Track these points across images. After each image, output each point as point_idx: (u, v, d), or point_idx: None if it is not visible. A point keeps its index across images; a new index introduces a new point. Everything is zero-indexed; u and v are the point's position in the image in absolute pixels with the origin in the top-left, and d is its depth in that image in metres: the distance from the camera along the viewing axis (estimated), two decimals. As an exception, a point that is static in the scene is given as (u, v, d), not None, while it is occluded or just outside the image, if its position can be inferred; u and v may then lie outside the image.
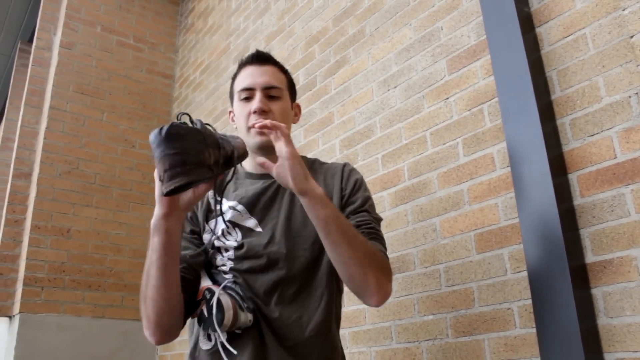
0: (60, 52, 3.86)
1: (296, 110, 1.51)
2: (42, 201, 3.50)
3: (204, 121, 1.10)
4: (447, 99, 1.91)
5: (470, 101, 1.82)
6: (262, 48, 3.18)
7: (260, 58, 1.42)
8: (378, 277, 1.18)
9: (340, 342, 1.36)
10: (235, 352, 1.19)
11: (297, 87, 2.71)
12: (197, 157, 0.96)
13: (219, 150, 1.01)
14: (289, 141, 1.12)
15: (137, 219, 3.83)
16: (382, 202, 2.03)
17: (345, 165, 1.43)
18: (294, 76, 2.78)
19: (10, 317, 3.42)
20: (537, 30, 1.66)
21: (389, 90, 2.16)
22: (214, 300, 1.17)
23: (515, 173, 1.56)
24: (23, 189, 3.66)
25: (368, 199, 1.36)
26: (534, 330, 1.45)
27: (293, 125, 1.54)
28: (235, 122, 1.43)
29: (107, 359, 3.42)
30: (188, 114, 1.05)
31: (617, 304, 1.32)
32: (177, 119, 1.00)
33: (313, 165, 1.44)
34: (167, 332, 1.17)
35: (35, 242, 3.41)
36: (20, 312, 3.23)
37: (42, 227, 3.45)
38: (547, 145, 1.49)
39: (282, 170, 1.11)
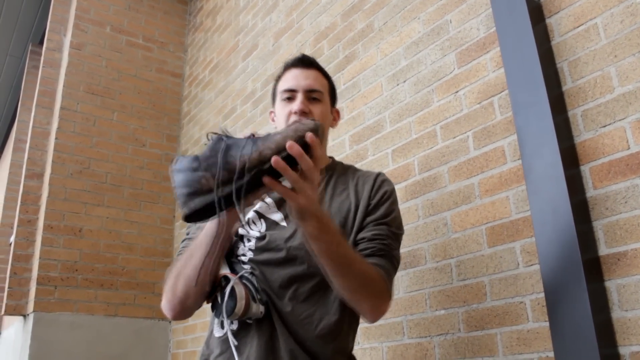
0: (70, 53, 3.88)
1: (335, 115, 1.53)
2: (54, 201, 3.52)
3: (222, 128, 1.06)
4: (456, 92, 1.89)
5: (481, 94, 1.81)
6: (270, 45, 3.18)
7: (305, 62, 1.45)
8: (373, 303, 1.23)
9: (351, 344, 1.35)
10: (236, 343, 1.23)
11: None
12: (194, 186, 0.96)
13: (216, 172, 0.96)
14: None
15: (148, 218, 3.85)
16: (393, 197, 2.02)
17: (378, 175, 1.42)
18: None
19: (24, 316, 3.44)
20: (547, 21, 1.64)
21: (398, 84, 2.15)
22: (228, 288, 1.17)
23: (527, 166, 1.55)
24: (35, 189, 3.69)
25: (392, 212, 1.34)
26: (547, 324, 1.44)
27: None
28: (275, 121, 1.47)
29: (121, 357, 3.44)
30: (215, 133, 1.02)
31: (632, 297, 1.30)
32: (207, 139, 1.01)
33: (347, 171, 1.45)
34: (185, 311, 1.25)
35: (48, 241, 3.43)
36: (34, 311, 3.25)
37: (55, 226, 3.47)
38: (559, 137, 1.47)
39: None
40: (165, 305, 1.25)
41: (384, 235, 1.28)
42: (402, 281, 1.91)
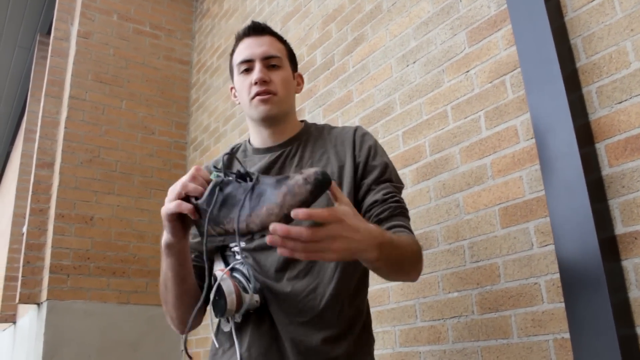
0: (78, 42, 3.87)
1: (298, 80, 1.46)
2: (65, 190, 3.53)
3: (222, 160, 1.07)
4: (467, 72, 1.86)
5: (492, 73, 1.77)
6: (278, 29, 3.15)
7: (257, 29, 1.37)
8: (418, 271, 1.24)
9: (364, 302, 1.32)
10: (219, 344, 1.27)
11: (314, 67, 2.69)
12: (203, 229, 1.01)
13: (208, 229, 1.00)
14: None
15: (158, 205, 3.82)
16: (404, 179, 2.00)
17: (356, 129, 1.37)
18: (311, 56, 2.76)
19: (38, 305, 3.47)
20: (561, -4, 1.60)
21: (408, 65, 2.12)
22: (214, 287, 1.16)
23: (540, 144, 1.52)
24: (46, 178, 3.70)
25: (387, 166, 1.30)
26: (562, 305, 1.41)
27: (300, 97, 1.50)
28: (238, 97, 1.40)
29: (134, 344, 3.46)
30: (228, 154, 1.07)
31: (650, 276, 1.27)
32: (222, 161, 1.07)
33: (322, 133, 1.39)
34: (192, 327, 1.22)
35: (60, 230, 3.44)
36: (47, 299, 3.27)
37: (66, 215, 3.49)
38: (573, 114, 1.44)
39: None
40: (171, 326, 1.28)
41: (392, 193, 1.25)
42: (414, 264, 1.89)
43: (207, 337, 3.32)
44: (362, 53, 2.38)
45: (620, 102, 1.39)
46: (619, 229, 1.35)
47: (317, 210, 0.87)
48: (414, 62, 2.08)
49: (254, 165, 1.35)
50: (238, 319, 1.23)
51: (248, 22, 1.40)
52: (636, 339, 1.27)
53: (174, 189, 1.05)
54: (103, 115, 3.81)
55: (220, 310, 1.16)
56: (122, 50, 4.04)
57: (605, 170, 1.40)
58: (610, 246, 1.34)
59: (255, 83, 1.30)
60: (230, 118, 3.54)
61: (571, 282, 1.37)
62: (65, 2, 4.16)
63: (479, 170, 1.75)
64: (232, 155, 1.24)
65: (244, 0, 3.67)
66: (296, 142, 1.36)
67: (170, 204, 1.05)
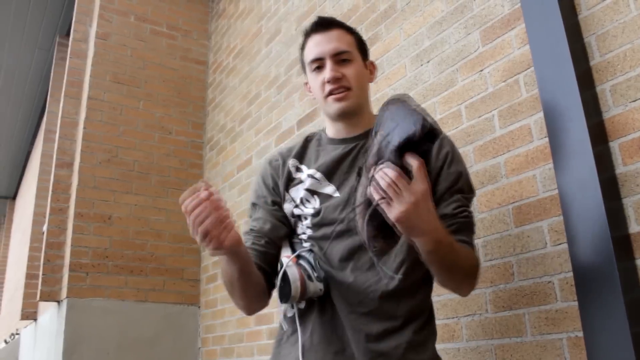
0: (96, 43, 3.93)
1: (371, 68, 1.45)
2: (84, 189, 3.59)
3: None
4: (481, 71, 1.86)
5: (506, 72, 1.77)
6: (293, 29, 3.17)
7: (324, 24, 1.37)
8: (472, 286, 1.30)
9: (430, 299, 1.35)
10: (285, 328, 1.31)
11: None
12: None
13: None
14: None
15: (176, 205, 3.85)
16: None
17: None
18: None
19: (58, 302, 3.53)
20: (574, -6, 1.60)
21: (422, 65, 2.12)
22: (280, 273, 1.21)
23: (554, 143, 1.52)
24: (66, 178, 3.76)
25: (461, 176, 1.30)
26: (576, 303, 1.41)
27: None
28: (313, 93, 1.41)
29: (151, 342, 3.50)
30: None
31: (664, 274, 1.27)
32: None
33: None
34: (258, 309, 1.34)
35: (79, 229, 3.50)
36: (67, 297, 3.33)
37: (85, 214, 3.54)
38: (586, 113, 1.44)
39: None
40: (242, 311, 1.36)
41: (463, 207, 1.26)
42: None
43: (224, 335, 3.36)
44: (377, 52, 2.39)
45: (634, 101, 1.39)
46: (633, 227, 1.35)
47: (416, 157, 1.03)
48: (428, 62, 2.09)
49: (329, 154, 1.37)
50: (302, 305, 1.26)
51: (314, 18, 1.41)
52: (650, 337, 1.27)
53: (205, 233, 1.09)
54: (121, 115, 3.87)
55: (285, 296, 1.20)
56: (139, 51, 4.09)
57: (619, 169, 1.40)
58: (623, 245, 1.34)
59: (328, 81, 1.31)
60: (246, 118, 3.57)
61: (585, 280, 1.37)
62: (83, 3, 4.23)
63: (492, 169, 1.75)
64: (305, 144, 1.35)
65: (259, 0, 3.69)
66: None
67: (220, 249, 1.10)
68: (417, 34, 2.17)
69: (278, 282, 1.22)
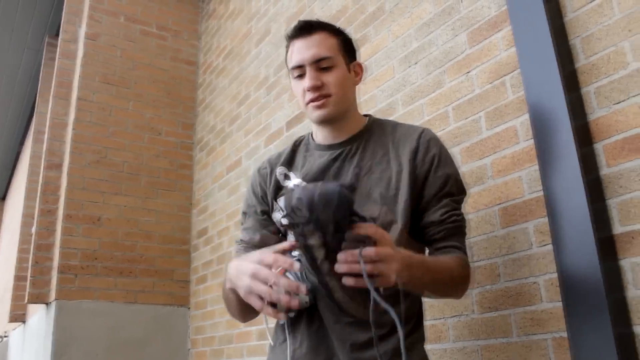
0: (85, 44, 3.91)
1: (357, 70, 1.41)
2: (73, 191, 3.57)
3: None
4: (468, 72, 1.87)
5: (492, 74, 1.78)
6: (283, 30, 3.17)
7: (304, 29, 1.33)
8: (462, 291, 1.31)
9: (418, 305, 1.34)
10: (277, 335, 1.32)
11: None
12: None
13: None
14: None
15: (165, 206, 3.88)
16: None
17: (422, 133, 1.33)
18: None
19: (47, 304, 3.51)
20: (560, -3, 1.61)
21: (409, 66, 2.13)
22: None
23: (539, 145, 1.53)
24: (55, 179, 3.74)
25: (449, 178, 1.29)
26: (561, 304, 1.42)
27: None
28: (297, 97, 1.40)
29: (141, 343, 3.49)
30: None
31: (647, 275, 1.28)
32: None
33: (385, 131, 1.37)
34: (252, 318, 1.33)
35: (68, 230, 3.49)
36: (56, 299, 3.32)
37: (74, 216, 3.53)
38: (572, 114, 1.45)
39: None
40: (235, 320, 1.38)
41: (450, 212, 1.26)
42: (415, 264, 1.91)
43: (213, 337, 3.35)
44: (365, 54, 2.39)
45: (618, 103, 1.40)
46: (617, 228, 1.36)
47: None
48: (416, 63, 2.10)
49: (315, 161, 1.36)
50: (292, 314, 1.26)
51: (296, 23, 1.37)
52: (633, 337, 1.28)
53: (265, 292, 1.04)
54: (110, 116, 3.85)
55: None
56: (129, 52, 4.08)
57: (604, 170, 1.41)
58: (608, 246, 1.35)
59: (308, 90, 1.29)
60: (235, 118, 3.57)
61: (569, 281, 1.38)
62: (73, 4, 4.21)
63: (479, 171, 1.76)
64: (294, 149, 1.35)
65: (249, 1, 3.69)
66: (357, 140, 1.36)
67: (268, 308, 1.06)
68: (405, 35, 2.18)
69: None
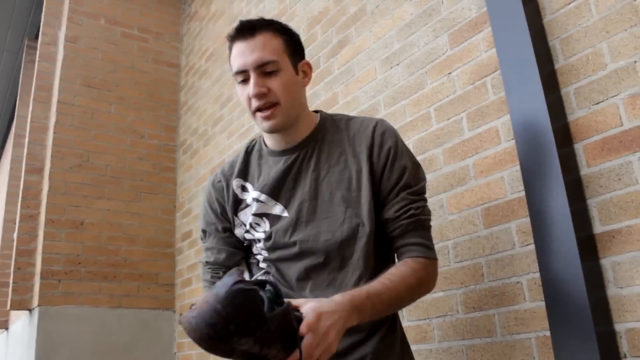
0: (65, 47, 3.87)
1: (305, 70, 1.32)
2: (55, 195, 3.53)
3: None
4: (449, 73, 1.88)
5: (473, 75, 1.79)
6: (264, 32, 3.15)
7: (246, 30, 1.23)
8: (421, 293, 1.25)
9: (395, 316, 1.31)
10: None
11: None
12: None
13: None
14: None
15: (149, 209, 3.86)
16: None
17: (376, 126, 1.28)
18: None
19: (30, 310, 3.47)
20: (538, -2, 1.62)
21: (391, 67, 2.13)
22: None
23: (520, 146, 1.54)
24: (36, 184, 3.70)
25: (404, 170, 1.23)
26: (544, 303, 1.44)
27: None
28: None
29: (127, 348, 3.47)
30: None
31: (627, 274, 1.29)
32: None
33: (339, 127, 1.31)
34: None
35: (50, 235, 3.45)
36: (39, 305, 3.28)
37: (56, 220, 3.49)
38: (552, 115, 1.46)
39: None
40: None
41: (407, 206, 1.21)
42: (400, 265, 1.91)
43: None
44: (347, 55, 2.39)
45: (597, 103, 1.42)
46: (597, 228, 1.37)
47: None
48: (398, 64, 2.10)
49: (271, 169, 1.30)
50: None
51: (236, 23, 1.28)
52: (614, 335, 1.29)
53: None
54: (92, 119, 3.82)
55: None
56: (110, 54, 4.04)
57: (584, 171, 1.43)
58: (588, 245, 1.36)
59: (254, 97, 1.21)
60: (218, 120, 3.55)
61: (551, 281, 1.39)
62: (52, 6, 4.16)
63: (461, 171, 1.77)
64: (247, 158, 1.31)
65: (231, 2, 3.68)
66: (311, 142, 1.30)
67: None
68: (387, 36, 2.18)
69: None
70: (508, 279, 1.57)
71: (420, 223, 1.23)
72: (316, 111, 1.39)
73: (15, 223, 4.04)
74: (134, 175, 3.86)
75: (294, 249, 1.23)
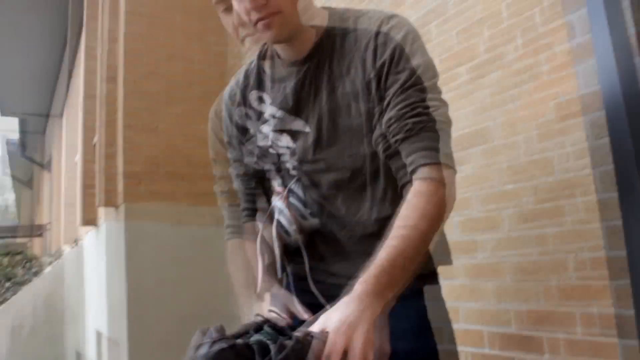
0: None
1: None
2: (130, 101, 3.76)
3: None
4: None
5: None
6: None
7: None
8: (440, 222, 1.02)
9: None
10: (304, 253, 1.22)
11: None
12: None
13: None
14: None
15: (219, 112, 3.99)
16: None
17: (381, 24, 1.08)
18: None
19: (116, 207, 3.81)
20: None
21: None
22: (274, 223, 1.21)
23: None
24: (112, 91, 3.92)
25: (412, 72, 1.04)
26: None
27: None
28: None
29: (204, 241, 3.69)
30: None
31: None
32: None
33: (347, 29, 1.13)
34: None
35: (129, 139, 3.71)
36: (124, 202, 3.60)
37: (134, 125, 3.73)
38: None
39: None
40: None
41: (411, 105, 1.03)
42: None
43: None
44: None
45: None
46: None
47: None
48: None
49: (284, 82, 1.18)
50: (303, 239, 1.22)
51: None
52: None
53: None
54: (159, 29, 3.94)
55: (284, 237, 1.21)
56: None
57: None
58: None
59: (253, 9, 1.02)
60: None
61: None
62: None
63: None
64: (259, 68, 1.22)
65: None
66: (323, 49, 1.14)
67: None
68: None
69: (274, 232, 1.21)
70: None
71: (427, 126, 1.02)
72: (325, 8, 1.19)
73: (94, 129, 4.32)
74: (202, 82, 3.98)
75: (321, 165, 1.17)
